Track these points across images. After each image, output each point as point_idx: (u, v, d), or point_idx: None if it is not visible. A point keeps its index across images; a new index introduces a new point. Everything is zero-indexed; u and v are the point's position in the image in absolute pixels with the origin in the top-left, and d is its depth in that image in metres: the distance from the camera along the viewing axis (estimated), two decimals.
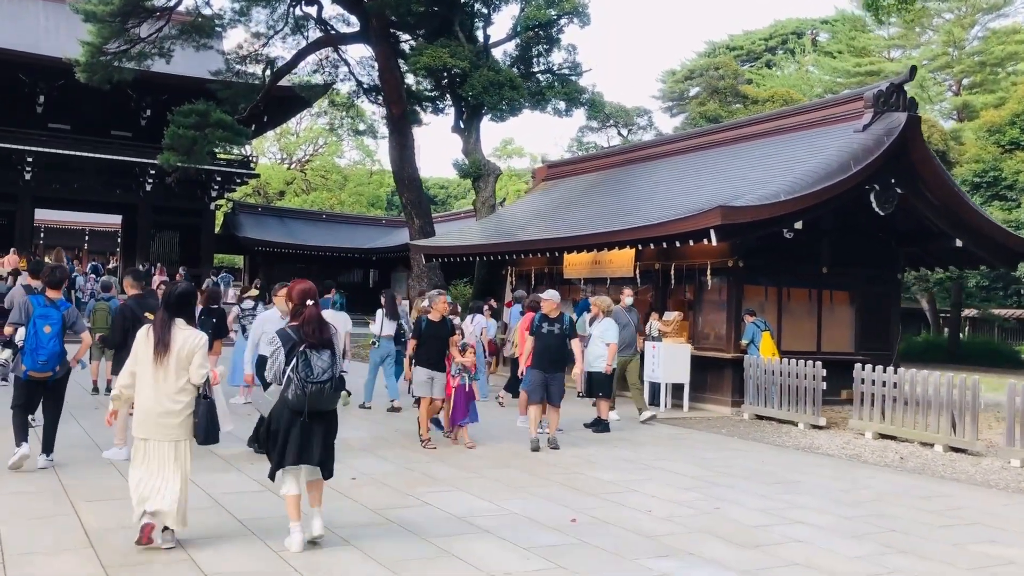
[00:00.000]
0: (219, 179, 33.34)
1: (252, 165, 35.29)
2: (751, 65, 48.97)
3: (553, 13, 21.76)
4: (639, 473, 8.59)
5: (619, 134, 33.16)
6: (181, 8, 25.79)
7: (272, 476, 5.54)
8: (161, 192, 31.96)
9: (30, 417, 7.77)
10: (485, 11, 23.02)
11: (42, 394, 7.76)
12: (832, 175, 13.06)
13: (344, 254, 37.29)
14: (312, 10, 26.48)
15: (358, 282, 38.37)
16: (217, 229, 35.95)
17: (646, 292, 16.10)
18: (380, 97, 28.95)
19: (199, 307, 11.55)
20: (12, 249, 26.55)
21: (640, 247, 14.98)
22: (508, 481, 7.97)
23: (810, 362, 12.28)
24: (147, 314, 8.19)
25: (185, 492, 5.41)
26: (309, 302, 5.52)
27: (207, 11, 26.22)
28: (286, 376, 5.32)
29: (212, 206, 34.41)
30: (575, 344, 10.00)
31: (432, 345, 9.49)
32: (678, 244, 13.61)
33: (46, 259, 23.68)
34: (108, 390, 12.69)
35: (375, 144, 61.08)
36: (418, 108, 27.44)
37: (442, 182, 75.03)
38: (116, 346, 8.34)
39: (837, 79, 38.66)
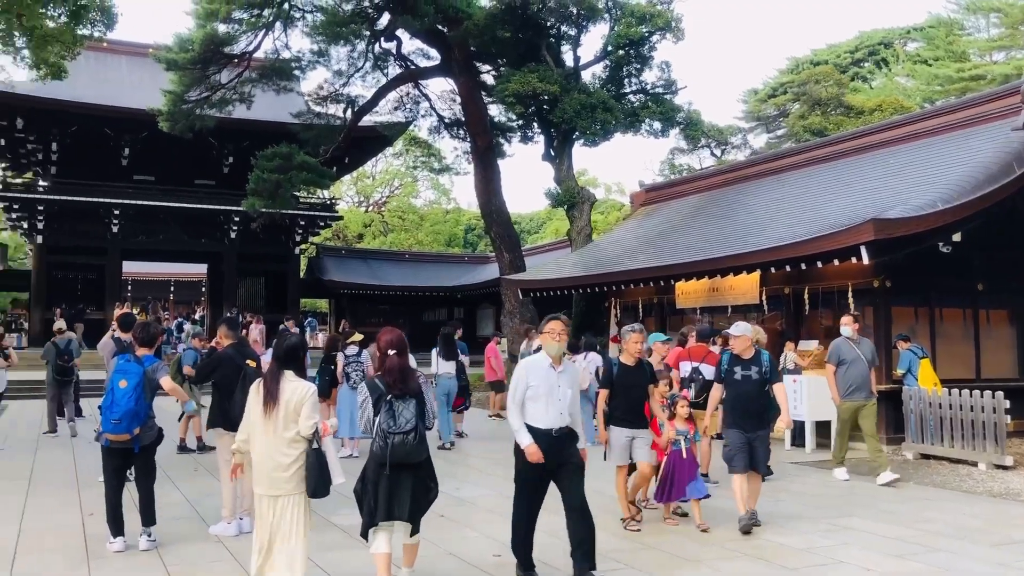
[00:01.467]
0: (303, 223, 33.02)
1: (335, 208, 34.96)
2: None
3: (645, 30, 20.67)
4: (830, 536, 7.21)
5: (712, 155, 31.78)
6: (259, 53, 25.57)
7: (364, 534, 5.40)
8: (246, 239, 31.74)
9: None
10: (573, 33, 22.03)
11: (130, 463, 6.87)
12: (994, 178, 11.58)
13: (428, 293, 36.53)
14: (391, 46, 26.00)
15: (443, 320, 37.56)
16: (302, 273, 35.58)
17: (774, 319, 14.72)
18: (462, 131, 28.30)
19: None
20: (118, 303, 26.57)
21: (768, 270, 13.61)
22: (681, 552, 6.71)
23: (987, 392, 10.69)
24: (248, 361, 7.33)
25: (304, 547, 5.25)
26: (391, 352, 5.40)
27: (286, 54, 25.93)
28: (375, 428, 5.25)
29: (297, 251, 34.10)
30: (778, 390, 7.78)
31: (629, 396, 7.47)
32: (819, 264, 12.21)
33: (135, 311, 23.37)
34: (198, 447, 11.84)
35: (450, 182, 61.27)
36: (502, 139, 26.63)
37: (515, 217, 74.36)
38: (200, 381, 7.49)
39: (937, 87, 36.56)
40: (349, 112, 26.65)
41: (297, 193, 29.08)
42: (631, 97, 22.23)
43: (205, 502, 8.49)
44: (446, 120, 28.00)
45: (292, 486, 5.18)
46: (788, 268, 13.08)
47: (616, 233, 21.04)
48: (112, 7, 20.44)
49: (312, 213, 33.17)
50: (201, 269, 42.79)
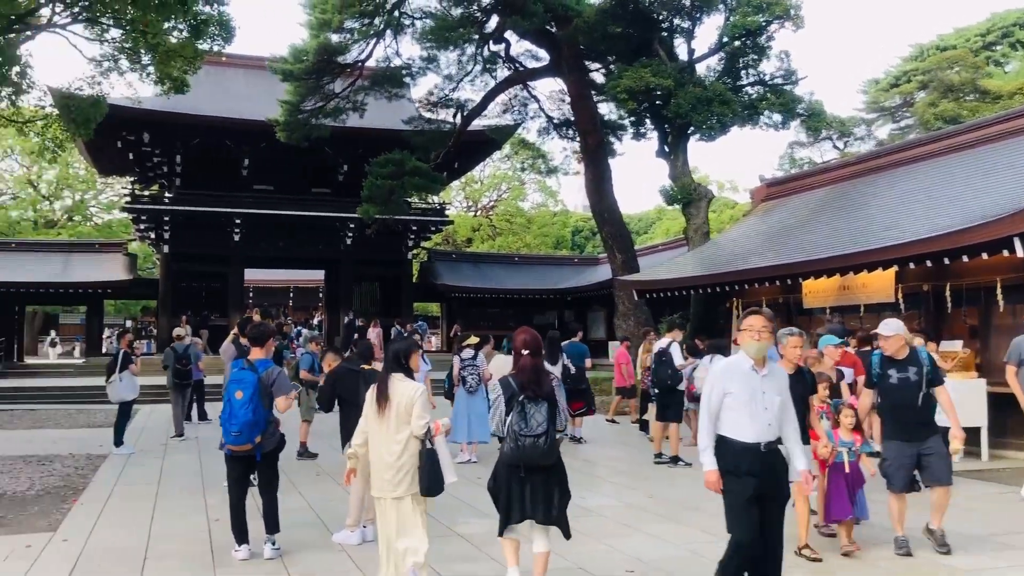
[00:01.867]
0: (415, 228, 33.35)
1: (445, 212, 35.17)
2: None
3: (762, 19, 19.82)
4: (995, 554, 6.52)
5: (834, 147, 30.37)
6: (371, 62, 25.89)
7: (501, 533, 5.34)
8: (361, 245, 32.27)
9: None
10: (687, 25, 21.36)
11: (253, 469, 6.80)
12: None
13: (538, 295, 36.34)
14: (500, 48, 25.86)
15: (552, 323, 37.24)
16: (414, 278, 35.95)
17: (912, 319, 13.73)
18: (571, 131, 27.97)
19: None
20: (250, 310, 27.36)
21: (906, 266, 12.72)
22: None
23: None
24: (363, 366, 7.26)
25: (424, 545, 5.28)
26: (525, 351, 5.36)
27: (397, 61, 26.17)
28: (507, 428, 5.18)
29: (409, 255, 34.48)
30: (941, 393, 6.70)
31: None
32: (964, 259, 11.30)
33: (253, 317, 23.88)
34: (298, 453, 11.80)
35: (558, 184, 60.93)
36: (612, 138, 26.15)
37: (624, 218, 73.05)
38: (327, 408, 7.30)
39: None
40: (459, 117, 26.69)
41: (409, 199, 29.35)
42: (748, 89, 21.38)
43: (328, 508, 8.41)
44: (555, 121, 27.73)
45: (407, 487, 5.25)
46: (928, 263, 12.20)
47: (736, 230, 20.26)
48: (230, 21, 20.95)
49: (424, 218, 33.44)
50: (318, 275, 43.82)
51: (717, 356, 12.27)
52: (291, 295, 54.08)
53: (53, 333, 40.61)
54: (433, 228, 35.16)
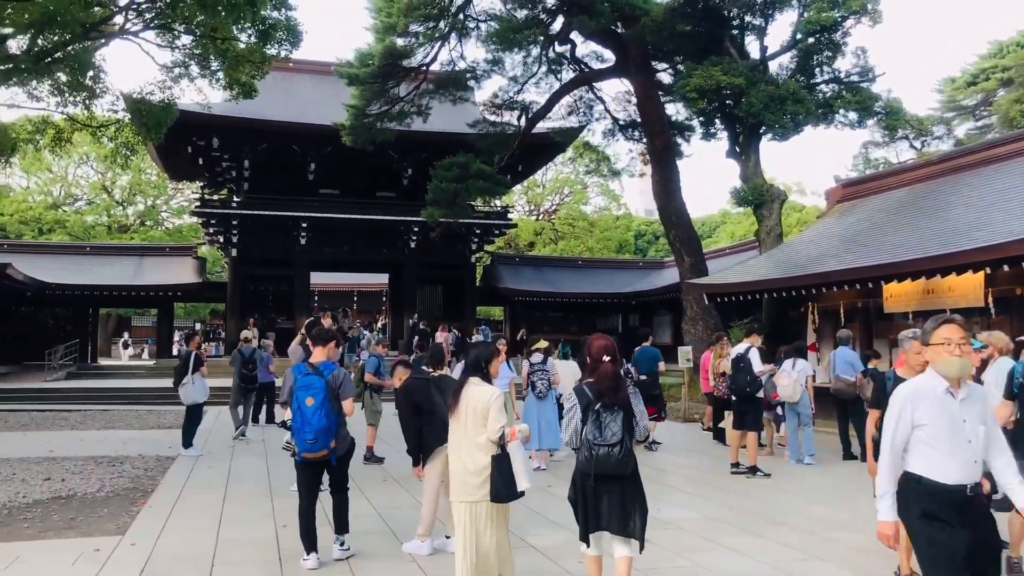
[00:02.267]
0: (478, 231, 33.23)
1: (508, 216, 34.99)
2: None
3: (838, 14, 19.16)
4: None
5: (911, 147, 29.32)
6: (435, 65, 25.86)
7: (584, 539, 5.21)
8: (425, 249, 32.30)
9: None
10: (758, 23, 20.79)
11: (323, 474, 6.70)
12: None
13: (602, 299, 35.87)
14: (565, 49, 25.61)
15: (616, 328, 36.77)
16: (477, 281, 35.83)
17: (1002, 324, 13.03)
18: (636, 132, 27.58)
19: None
20: (321, 313, 27.49)
21: (998, 268, 12.06)
22: None
23: None
24: (432, 374, 7.11)
25: (506, 549, 5.27)
26: (606, 358, 5.18)
27: (461, 64, 26.10)
28: (582, 437, 5.05)
29: (472, 259, 34.36)
30: None
31: None
32: None
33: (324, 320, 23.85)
34: (367, 458, 11.62)
35: (621, 187, 60.33)
36: (679, 139, 25.67)
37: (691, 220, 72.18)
38: (412, 425, 7.03)
39: None
40: (523, 119, 26.51)
41: (473, 202, 29.27)
42: (823, 87, 20.73)
43: (396, 515, 8.22)
44: (620, 122, 27.37)
45: (484, 492, 5.17)
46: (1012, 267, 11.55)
47: (810, 232, 19.60)
48: (297, 26, 21.11)
49: (487, 222, 33.30)
50: (382, 279, 44.05)
51: (799, 360, 11.80)
52: (355, 298, 54.52)
53: (126, 335, 41.62)
54: (496, 231, 34.99)
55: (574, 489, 5.19)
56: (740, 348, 10.93)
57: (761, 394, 10.84)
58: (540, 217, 58.46)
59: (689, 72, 19.26)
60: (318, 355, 6.72)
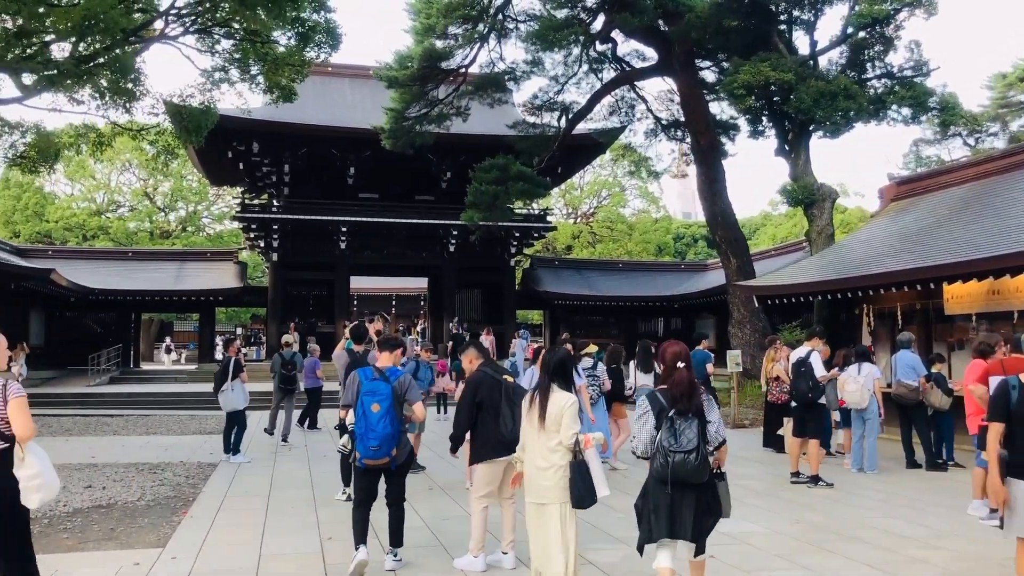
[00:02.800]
0: (517, 234, 32.86)
1: (547, 219, 34.60)
2: None
3: (890, 7, 18.54)
4: None
5: (965, 144, 28.43)
6: (474, 67, 25.59)
7: (640, 549, 5.13)
8: (464, 252, 32.06)
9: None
10: (807, 17, 20.17)
11: (381, 480, 6.51)
12: None
13: (643, 303, 35.26)
14: (606, 48, 25.22)
15: (657, 332, 36.19)
16: (516, 285, 35.47)
17: None
18: (679, 132, 27.09)
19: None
20: (367, 319, 27.33)
21: None
22: None
23: None
24: (506, 376, 6.71)
25: (571, 560, 5.21)
26: (680, 364, 5.13)
27: (500, 66, 25.79)
28: (656, 444, 4.99)
29: (512, 262, 34.01)
30: None
31: None
32: None
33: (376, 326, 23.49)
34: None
35: (660, 190, 59.57)
36: (724, 138, 25.11)
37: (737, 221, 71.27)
38: (469, 414, 6.67)
39: None
40: (563, 120, 26.15)
41: (512, 205, 28.94)
42: (875, 83, 20.07)
43: (445, 528, 7.88)
44: (663, 122, 26.90)
45: (555, 495, 5.23)
46: None
47: (864, 232, 18.96)
48: (336, 28, 21.00)
49: (526, 224, 32.96)
50: (420, 283, 43.92)
51: (865, 364, 11.25)
52: (394, 303, 54.51)
53: (168, 339, 41.90)
54: (536, 234, 34.62)
55: (643, 497, 5.11)
56: (801, 352, 10.42)
57: (823, 400, 10.33)
58: (578, 220, 58.01)
59: (736, 68, 18.73)
60: (384, 360, 6.58)
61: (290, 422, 15.04)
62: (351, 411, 6.42)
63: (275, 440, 14.54)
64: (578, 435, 5.21)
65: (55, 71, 16.70)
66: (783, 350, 13.58)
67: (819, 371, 10.08)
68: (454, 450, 6.88)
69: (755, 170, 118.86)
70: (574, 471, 5.15)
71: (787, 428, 11.21)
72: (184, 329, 49.35)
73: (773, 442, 13.14)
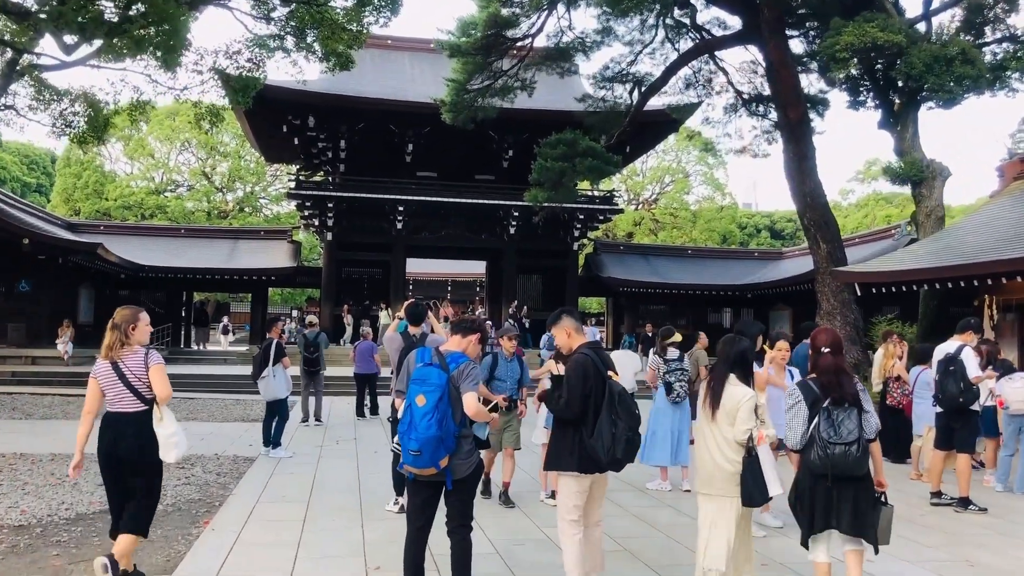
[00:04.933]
0: (581, 217, 31.14)
1: (613, 200, 32.81)
2: None
3: None
4: None
5: None
6: (540, 37, 23.91)
7: (804, 543, 5.05)
8: (525, 235, 30.50)
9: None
10: None
11: (440, 496, 4.99)
12: None
13: (714, 292, 33.26)
14: (684, 15, 23.30)
15: (727, 323, 34.23)
16: (579, 271, 33.74)
17: None
18: (762, 107, 25.07)
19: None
20: (444, 300, 26.05)
21: None
22: None
23: None
24: (611, 373, 5.13)
25: (749, 550, 5.14)
26: (825, 350, 5.07)
27: (568, 36, 24.06)
28: (808, 436, 4.90)
29: (575, 246, 32.27)
30: None
31: None
32: None
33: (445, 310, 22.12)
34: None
35: (725, 176, 57.28)
36: (812, 114, 23.05)
37: (788, 215, 69.21)
38: (576, 408, 5.06)
39: None
40: (635, 93, 24.35)
41: (579, 183, 27.27)
42: (993, 47, 17.91)
43: (519, 555, 6.38)
44: (744, 95, 24.86)
45: (723, 487, 5.02)
46: None
47: (983, 214, 16.92)
48: None
49: (591, 207, 31.26)
50: (476, 268, 42.60)
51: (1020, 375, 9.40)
52: (449, 288, 53.38)
53: (225, 319, 40.96)
54: (601, 217, 32.79)
55: (797, 492, 5.05)
56: (948, 348, 8.55)
57: (977, 406, 8.52)
58: (639, 207, 56.08)
59: (838, 30, 16.71)
60: (453, 344, 5.14)
61: (320, 403, 14.40)
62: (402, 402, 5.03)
63: (321, 433, 13.24)
64: (752, 431, 4.94)
65: (107, 41, 15.70)
66: (902, 345, 11.80)
67: (972, 371, 8.26)
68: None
69: (823, 155, 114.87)
70: (746, 467, 4.88)
71: (927, 438, 9.43)
72: (242, 310, 48.80)
73: (890, 451, 11.33)
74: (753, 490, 4.82)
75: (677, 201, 55.70)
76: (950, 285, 14.92)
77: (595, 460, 4.94)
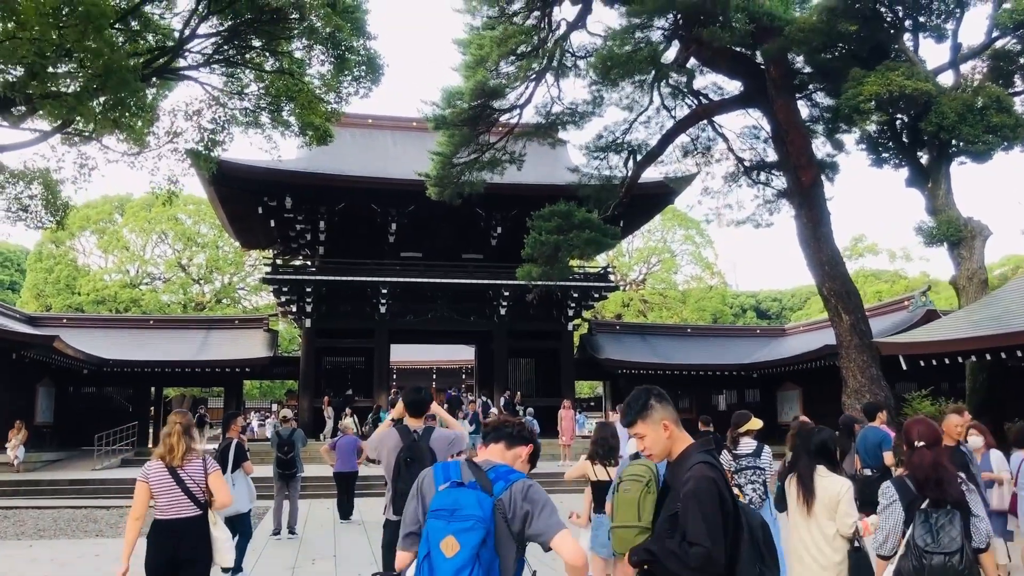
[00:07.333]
0: (575, 295, 29.52)
1: (609, 277, 31.26)
2: None
3: None
4: None
5: None
6: (529, 108, 22.66)
7: None
8: (516, 316, 28.81)
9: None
10: (941, 23, 16.80)
11: None
12: None
13: (718, 372, 31.43)
14: (681, 81, 22.18)
15: (732, 404, 32.30)
16: (574, 352, 31.91)
17: None
18: (763, 175, 23.79)
19: None
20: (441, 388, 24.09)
21: None
22: None
23: None
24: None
25: None
26: (919, 443, 4.51)
27: (558, 107, 22.83)
28: (905, 542, 4.33)
29: (570, 327, 30.51)
30: None
31: None
32: None
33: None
34: None
35: (714, 255, 56.09)
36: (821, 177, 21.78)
37: (774, 294, 68.27)
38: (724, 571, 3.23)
39: None
40: (631, 163, 23.07)
41: (573, 259, 25.74)
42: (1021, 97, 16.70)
43: None
44: (746, 163, 23.60)
45: None
46: None
47: None
48: (376, 58, 18.41)
49: (586, 284, 29.68)
50: (463, 353, 40.87)
51: None
52: (434, 376, 51.39)
53: (202, 409, 38.47)
54: (596, 294, 31.12)
55: None
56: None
57: None
58: (627, 288, 54.75)
59: (859, 79, 15.41)
60: (491, 453, 3.30)
61: (295, 512, 12.35)
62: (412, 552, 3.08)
63: (295, 549, 11.19)
64: (857, 523, 4.67)
65: (71, 131, 14.34)
66: (969, 418, 9.99)
67: None
68: None
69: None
70: (852, 561, 4.64)
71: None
72: (218, 406, 46.40)
73: None
74: None
75: (666, 281, 54.57)
76: (1002, 356, 13.26)
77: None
